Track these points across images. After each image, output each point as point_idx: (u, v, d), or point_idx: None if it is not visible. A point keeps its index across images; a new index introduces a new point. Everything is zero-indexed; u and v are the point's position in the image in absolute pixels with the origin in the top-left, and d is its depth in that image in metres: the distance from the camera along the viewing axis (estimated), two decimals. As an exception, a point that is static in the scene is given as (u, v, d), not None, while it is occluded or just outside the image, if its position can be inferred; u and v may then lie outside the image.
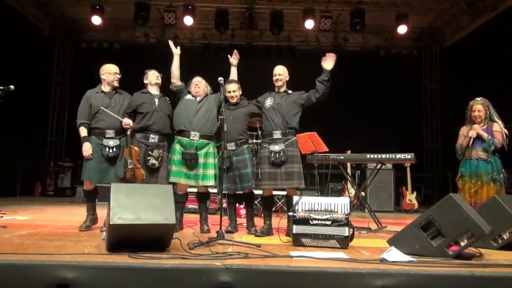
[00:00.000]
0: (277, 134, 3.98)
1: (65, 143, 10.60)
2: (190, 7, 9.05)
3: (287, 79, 4.16)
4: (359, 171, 8.12)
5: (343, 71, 9.89)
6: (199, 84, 4.17)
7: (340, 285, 2.36)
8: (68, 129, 10.30)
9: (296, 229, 3.30)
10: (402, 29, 9.28)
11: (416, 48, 10.84)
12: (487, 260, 2.91)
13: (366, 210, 5.59)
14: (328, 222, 3.25)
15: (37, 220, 4.88)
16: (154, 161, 3.98)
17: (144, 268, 2.39)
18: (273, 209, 4.72)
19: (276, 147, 3.93)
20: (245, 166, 4.09)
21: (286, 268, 2.47)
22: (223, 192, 3.98)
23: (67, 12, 10.04)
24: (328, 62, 3.97)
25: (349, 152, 6.39)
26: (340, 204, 3.34)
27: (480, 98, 4.39)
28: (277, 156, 3.90)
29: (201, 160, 4.04)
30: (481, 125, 4.31)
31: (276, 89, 4.14)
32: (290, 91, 4.14)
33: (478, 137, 4.26)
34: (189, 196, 4.50)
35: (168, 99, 4.29)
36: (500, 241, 3.35)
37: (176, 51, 4.24)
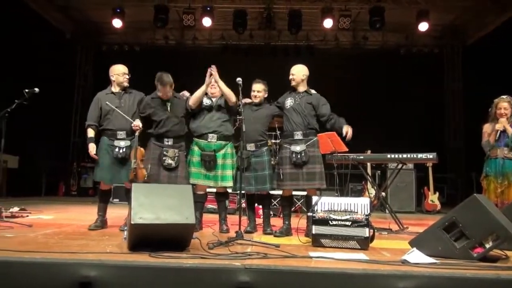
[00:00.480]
0: (298, 135, 3.97)
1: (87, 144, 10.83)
2: (208, 9, 9.11)
3: (304, 77, 4.10)
4: (379, 171, 8.01)
5: (363, 70, 9.91)
6: (214, 85, 4.13)
7: (361, 287, 2.33)
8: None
9: (315, 229, 3.28)
10: (423, 27, 9.11)
11: (437, 46, 10.62)
12: (513, 262, 2.83)
13: (387, 211, 5.51)
14: (348, 223, 3.21)
15: (61, 219, 4.99)
16: (170, 161, 3.97)
17: (164, 267, 2.41)
18: (292, 209, 4.70)
19: (297, 148, 3.92)
20: (263, 168, 4.09)
21: (306, 268, 2.45)
22: (243, 192, 3.98)
23: (89, 15, 10.26)
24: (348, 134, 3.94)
25: (369, 152, 6.32)
26: (360, 205, 3.31)
27: (506, 96, 4.30)
28: (299, 156, 3.89)
29: (219, 161, 4.06)
30: (506, 122, 4.22)
31: (296, 89, 4.12)
32: (312, 91, 4.10)
33: (504, 132, 4.16)
34: (208, 196, 4.52)
35: (179, 96, 4.21)
36: (527, 243, 3.25)
37: (208, 81, 4.08)
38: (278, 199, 5.30)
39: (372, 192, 7.08)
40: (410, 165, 7.54)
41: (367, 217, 3.23)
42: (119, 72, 4.13)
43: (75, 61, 11.07)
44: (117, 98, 4.09)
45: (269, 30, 10.24)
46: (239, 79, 3.77)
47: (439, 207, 7.77)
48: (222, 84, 4.05)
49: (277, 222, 4.46)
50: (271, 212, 4.51)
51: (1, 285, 2.34)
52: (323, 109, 4.02)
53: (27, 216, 5.02)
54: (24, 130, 7.33)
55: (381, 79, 9.87)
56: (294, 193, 4.46)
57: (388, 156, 5.03)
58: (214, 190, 4.33)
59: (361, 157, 5.13)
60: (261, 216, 4.34)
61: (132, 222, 2.72)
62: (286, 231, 3.94)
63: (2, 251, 2.61)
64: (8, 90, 5.05)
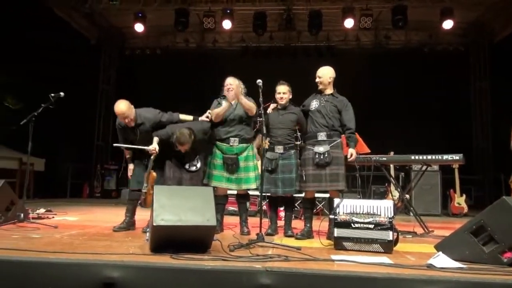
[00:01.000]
0: (321, 136, 3.93)
1: (110, 147, 11.05)
2: (228, 11, 9.15)
3: (331, 80, 4.04)
4: (403, 173, 7.83)
5: (385, 69, 9.74)
6: (231, 87, 4.12)
7: (385, 291, 2.28)
8: (113, 133, 10.73)
9: (337, 232, 3.24)
10: (447, 24, 8.90)
11: (462, 44, 10.37)
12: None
13: (411, 214, 5.39)
14: (371, 226, 3.16)
15: (85, 220, 5.10)
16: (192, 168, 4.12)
17: (185, 269, 2.42)
18: (314, 211, 4.65)
19: (320, 149, 3.88)
20: (290, 171, 4.07)
21: (328, 272, 2.41)
22: (263, 193, 3.96)
23: (112, 21, 10.50)
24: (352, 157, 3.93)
25: (392, 153, 6.18)
26: (383, 207, 3.25)
27: None
28: (322, 157, 3.85)
29: (242, 164, 4.07)
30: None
31: (322, 91, 4.07)
32: (338, 96, 4.05)
33: None
34: (229, 198, 4.53)
35: (201, 119, 4.19)
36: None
37: (230, 101, 4.11)
38: (299, 201, 5.25)
39: (396, 194, 6.94)
40: (435, 167, 7.34)
41: (391, 220, 3.16)
42: (119, 117, 4.06)
43: (99, 65, 11.32)
44: (133, 134, 4.13)
45: (289, 31, 10.20)
46: (259, 81, 3.73)
47: (466, 210, 7.53)
48: (243, 99, 4.04)
49: (298, 224, 4.42)
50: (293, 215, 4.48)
51: (28, 284, 2.40)
52: (344, 115, 3.98)
53: (53, 217, 5.15)
54: (49, 134, 7.54)
55: (404, 78, 9.69)
56: (315, 195, 4.40)
57: (412, 157, 4.90)
58: (235, 192, 4.34)
59: (384, 158, 5.03)
60: (282, 219, 4.31)
61: (154, 224, 2.75)
62: (308, 234, 3.91)
63: (29, 251, 2.68)
64: (35, 94, 5.20)
